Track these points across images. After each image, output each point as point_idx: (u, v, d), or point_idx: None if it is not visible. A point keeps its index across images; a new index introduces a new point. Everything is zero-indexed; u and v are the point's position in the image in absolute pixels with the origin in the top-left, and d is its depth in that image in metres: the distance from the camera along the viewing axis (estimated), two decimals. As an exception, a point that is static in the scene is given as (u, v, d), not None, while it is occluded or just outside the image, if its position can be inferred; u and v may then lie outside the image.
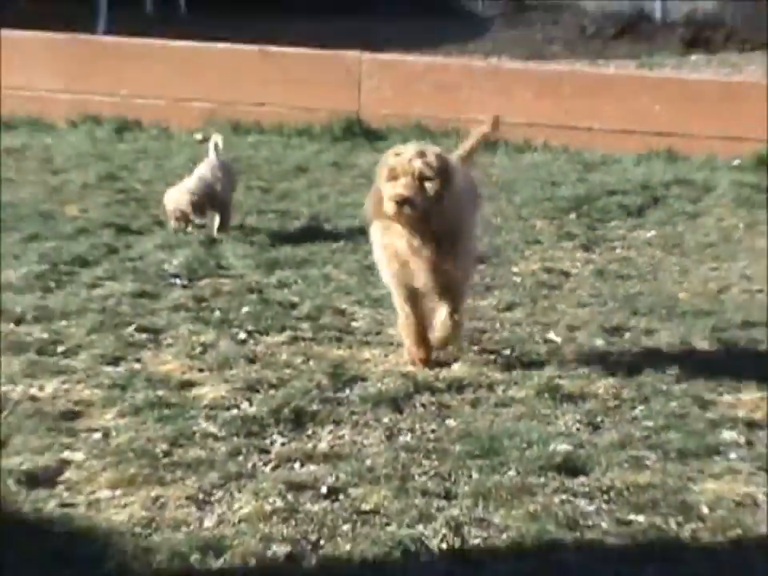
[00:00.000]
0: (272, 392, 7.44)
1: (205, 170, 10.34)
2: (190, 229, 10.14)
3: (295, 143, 13.02)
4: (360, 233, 10.27)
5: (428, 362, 7.80)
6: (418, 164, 7.41)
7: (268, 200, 10.48)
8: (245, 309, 8.74)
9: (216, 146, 10.28)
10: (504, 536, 6.00)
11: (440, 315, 7.88)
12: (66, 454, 6.69)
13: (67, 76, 14.04)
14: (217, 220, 10.27)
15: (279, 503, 6.22)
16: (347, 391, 7.48)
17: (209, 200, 10.14)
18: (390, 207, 7.43)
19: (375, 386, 7.56)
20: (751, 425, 7.16)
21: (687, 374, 7.86)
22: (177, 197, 10.15)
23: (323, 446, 6.85)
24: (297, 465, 6.64)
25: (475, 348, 8.20)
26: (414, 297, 7.78)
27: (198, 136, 13.24)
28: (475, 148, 8.50)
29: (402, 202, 7.38)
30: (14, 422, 7.00)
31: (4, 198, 11.07)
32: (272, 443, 6.85)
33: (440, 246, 7.64)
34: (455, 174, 7.60)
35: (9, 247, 9.78)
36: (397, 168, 7.44)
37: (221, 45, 14.42)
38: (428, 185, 7.42)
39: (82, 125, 13.53)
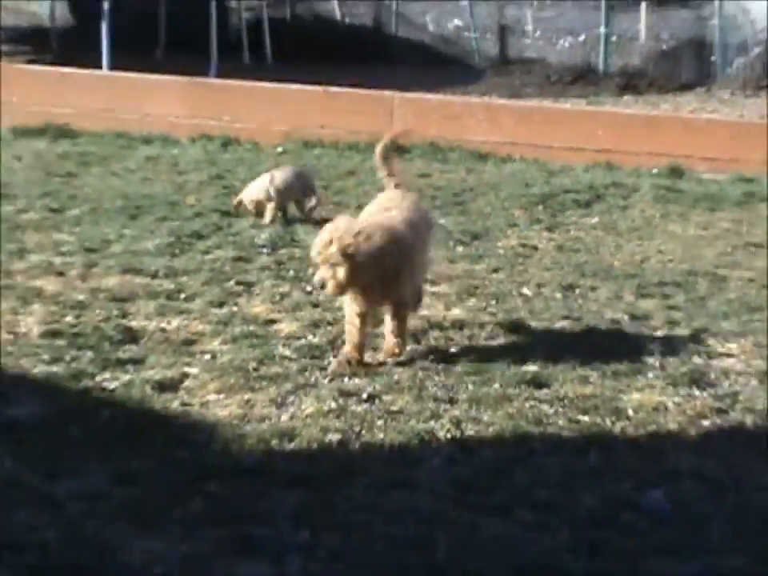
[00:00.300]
0: (329, 328, 7.46)
1: (277, 173, 10.27)
2: (267, 216, 10.04)
3: (347, 155, 13.02)
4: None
5: (360, 363, 6.87)
6: (332, 251, 6.49)
7: (327, 194, 10.39)
8: (310, 269, 8.69)
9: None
10: (490, 429, 6.04)
11: (387, 328, 7.05)
12: (185, 369, 6.75)
13: (189, 106, 14.05)
14: (312, 201, 10.18)
15: (333, 405, 6.27)
16: (379, 328, 7.46)
17: (279, 193, 10.04)
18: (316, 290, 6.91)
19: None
20: (664, 353, 7.15)
21: (619, 317, 7.87)
22: (253, 191, 10.11)
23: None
24: (346, 378, 6.66)
25: (473, 299, 8.18)
26: (363, 315, 6.90)
27: (279, 149, 13.17)
28: (393, 163, 7.61)
29: (322, 287, 6.65)
30: (149, 346, 7.05)
31: (144, 191, 11.08)
32: (328, 363, 6.86)
33: (381, 291, 6.81)
34: (374, 244, 6.58)
35: (146, 225, 9.80)
36: (318, 257, 6.59)
37: (295, 86, 14.43)
38: (341, 268, 6.51)
39: (198, 141, 13.50)
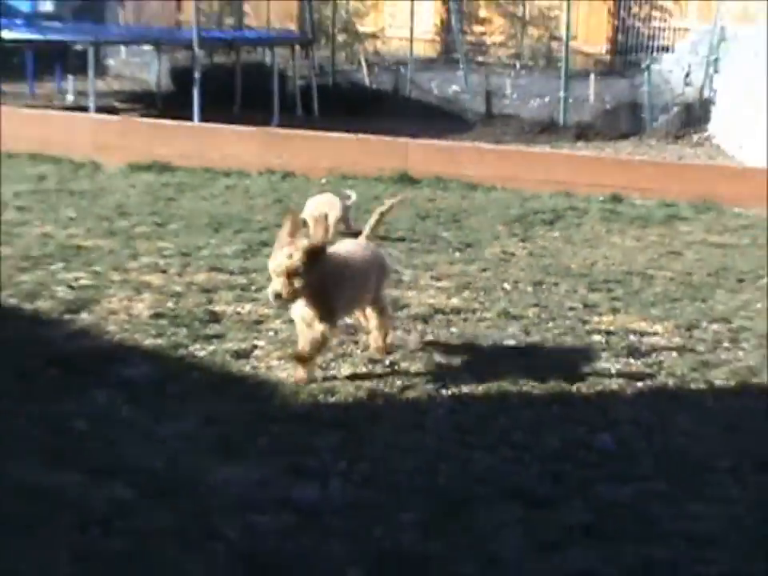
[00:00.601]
0: (361, 312, 7.41)
1: (327, 196, 10.21)
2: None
3: (373, 185, 12.94)
4: (407, 232, 10.29)
5: (309, 359, 6.00)
6: (285, 264, 5.65)
7: (357, 215, 10.34)
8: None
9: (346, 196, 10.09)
10: (480, 388, 6.04)
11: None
12: (255, 342, 6.69)
13: (258, 148, 14.01)
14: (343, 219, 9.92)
15: (363, 369, 6.24)
16: (398, 313, 7.44)
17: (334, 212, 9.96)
18: (272, 301, 5.84)
19: (413, 310, 7.53)
20: (608, 332, 7.13)
21: (575, 305, 7.83)
22: (315, 206, 10.04)
23: (387, 341, 6.83)
24: (373, 350, 6.62)
25: (467, 291, 8.14)
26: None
27: (323, 180, 13.13)
28: (379, 224, 6.63)
29: (278, 298, 5.71)
30: (228, 325, 7.01)
31: (224, 211, 11.04)
32: (358, 340, 6.81)
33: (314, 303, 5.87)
34: (320, 261, 5.73)
35: (226, 236, 9.76)
36: (274, 269, 5.75)
37: (335, 133, 14.40)
38: (296, 279, 5.63)
39: (264, 174, 13.44)
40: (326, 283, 5.80)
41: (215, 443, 5.08)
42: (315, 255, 5.70)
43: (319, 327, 5.92)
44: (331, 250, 6.00)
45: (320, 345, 5.97)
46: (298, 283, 5.66)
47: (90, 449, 4.93)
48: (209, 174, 13.40)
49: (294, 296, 5.75)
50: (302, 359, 5.97)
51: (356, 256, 6.23)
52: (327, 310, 5.92)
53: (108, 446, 4.98)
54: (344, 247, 6.40)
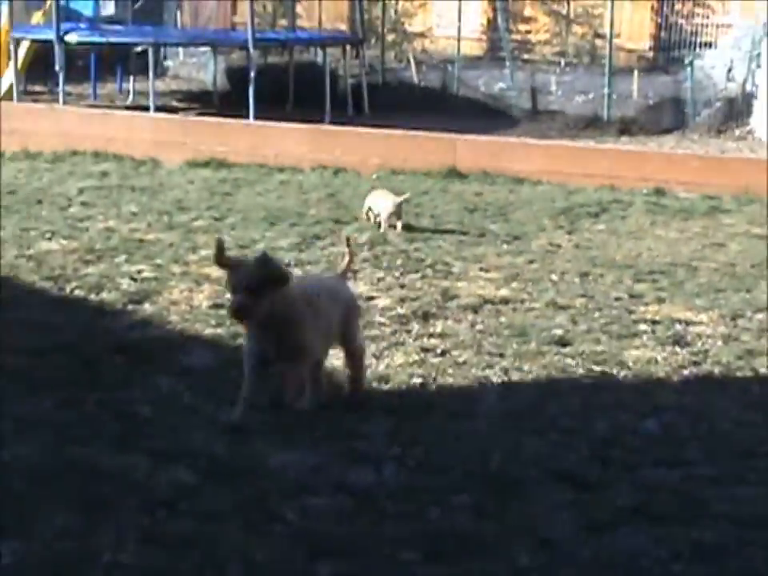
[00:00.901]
0: (413, 303, 7.41)
1: (382, 192, 10.20)
2: (374, 221, 9.96)
3: (421, 180, 12.92)
4: (456, 225, 10.28)
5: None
6: (247, 278, 4.94)
7: (407, 209, 10.32)
8: (398, 261, 8.68)
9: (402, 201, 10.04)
10: (529, 376, 6.02)
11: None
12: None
13: (310, 145, 14.04)
14: (399, 224, 9.89)
15: (416, 358, 6.25)
16: (448, 303, 7.43)
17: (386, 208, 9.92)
18: (231, 318, 5.25)
19: (463, 301, 7.52)
20: (654, 322, 7.08)
21: (621, 296, 7.79)
22: (376, 202, 10.03)
23: (438, 330, 6.83)
24: (425, 339, 6.62)
25: (515, 282, 8.10)
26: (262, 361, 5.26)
27: (374, 176, 13.12)
28: (349, 266, 5.87)
29: (238, 315, 5.04)
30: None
31: (278, 205, 11.09)
32: (411, 329, 6.82)
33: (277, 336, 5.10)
34: (283, 273, 5.07)
35: (281, 229, 9.81)
36: (233, 282, 5.04)
37: (385, 130, 14.40)
38: (261, 295, 4.90)
39: (317, 170, 13.46)
40: (289, 314, 5.06)
41: (273, 428, 5.10)
42: (277, 278, 4.99)
43: (300, 366, 5.28)
44: (297, 282, 5.32)
45: (314, 380, 5.33)
46: (258, 301, 4.92)
47: (154, 434, 4.97)
48: (264, 170, 13.44)
49: (253, 313, 4.96)
50: (301, 403, 5.33)
51: (321, 291, 5.40)
52: (297, 345, 5.14)
53: (171, 431, 5.01)
54: (310, 281, 5.90)
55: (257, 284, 4.91)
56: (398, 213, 9.85)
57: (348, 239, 5.95)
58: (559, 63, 21.31)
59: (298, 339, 5.12)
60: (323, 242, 9.32)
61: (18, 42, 18.24)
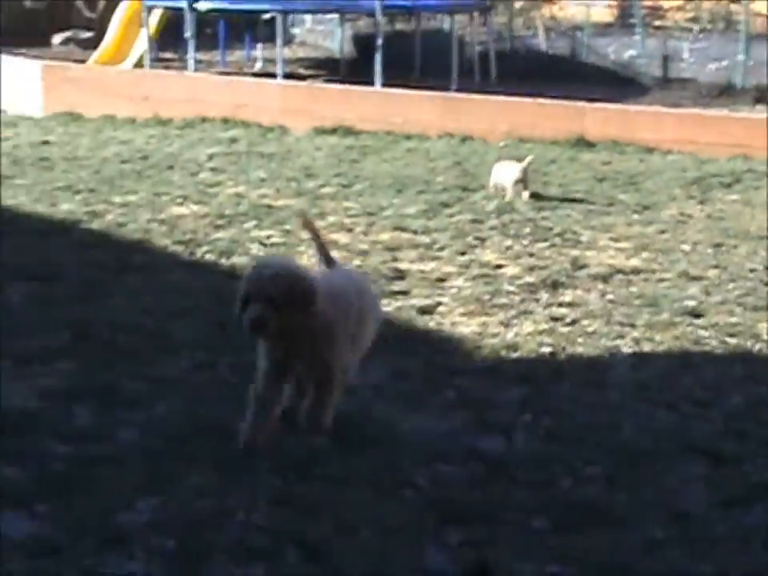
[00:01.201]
0: (541, 271, 7.36)
1: (505, 164, 10.13)
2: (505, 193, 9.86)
3: (550, 148, 12.84)
4: (584, 194, 10.17)
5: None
6: (270, 288, 4.18)
7: (534, 178, 10.22)
8: (526, 229, 8.61)
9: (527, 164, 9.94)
10: (660, 347, 5.98)
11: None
12: (438, 299, 6.75)
13: (437, 113, 14.07)
14: (525, 193, 9.78)
15: (545, 327, 6.24)
16: (578, 272, 7.36)
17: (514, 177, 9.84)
18: (247, 330, 4.27)
19: (593, 270, 7.44)
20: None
21: (756, 267, 7.61)
22: (500, 173, 9.97)
23: (567, 299, 6.77)
24: (554, 307, 6.59)
25: (645, 252, 7.97)
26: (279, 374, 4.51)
27: (502, 144, 13.03)
28: (324, 253, 4.93)
29: (256, 327, 4.22)
30: (412, 282, 7.08)
31: (405, 173, 11.12)
32: (540, 298, 6.78)
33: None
34: (310, 291, 4.27)
35: (408, 197, 9.82)
36: (250, 291, 4.23)
37: (513, 98, 14.29)
38: (281, 307, 4.18)
39: (443, 138, 13.50)
40: (315, 326, 4.36)
41: (403, 395, 5.13)
42: (302, 300, 4.27)
43: (327, 376, 4.49)
44: (323, 279, 4.61)
45: (330, 401, 4.54)
46: (278, 314, 4.23)
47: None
48: (390, 138, 13.46)
49: (272, 327, 4.25)
50: (323, 424, 4.53)
51: (349, 286, 4.73)
52: (324, 361, 4.47)
53: (302, 395, 5.06)
54: (336, 276, 4.85)
55: (279, 297, 4.20)
56: (523, 179, 9.77)
57: (307, 223, 5.23)
58: (692, 30, 20.84)
59: (324, 354, 4.43)
60: (451, 210, 9.30)
61: (150, 10, 18.53)
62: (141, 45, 18.86)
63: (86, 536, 3.68)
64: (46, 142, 12.55)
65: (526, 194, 9.71)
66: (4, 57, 16.91)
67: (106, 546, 3.64)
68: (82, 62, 18.75)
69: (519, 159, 10.11)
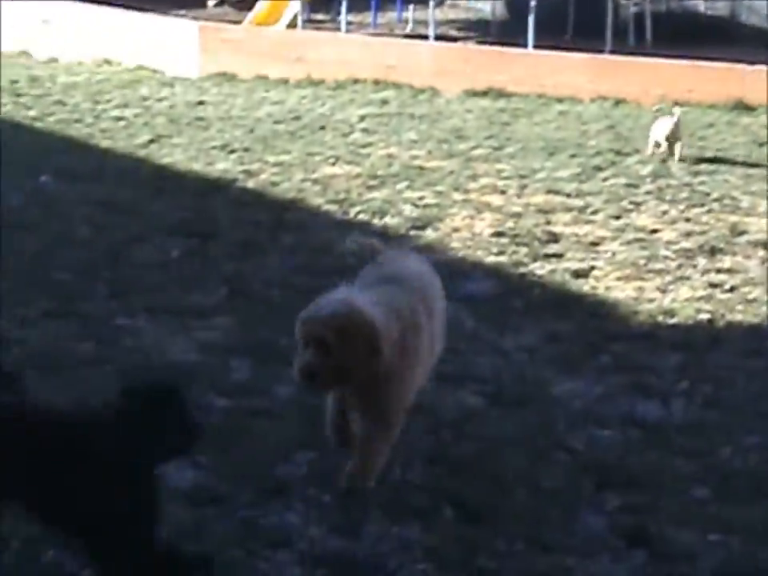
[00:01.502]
0: (699, 237, 7.18)
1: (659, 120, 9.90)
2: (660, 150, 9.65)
3: (708, 112, 12.54)
4: (744, 158, 9.88)
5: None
6: (324, 331, 3.61)
7: (691, 143, 9.94)
8: (682, 194, 8.42)
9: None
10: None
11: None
12: (592, 263, 6.68)
13: (590, 75, 13.88)
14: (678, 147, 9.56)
15: (703, 293, 6.16)
16: (737, 239, 7.18)
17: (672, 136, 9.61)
18: (296, 379, 3.71)
19: (753, 236, 7.23)
20: None
21: None
22: (654, 130, 9.76)
23: (725, 265, 6.62)
24: (712, 274, 6.46)
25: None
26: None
27: (655, 108, 12.74)
28: None
29: (305, 376, 3.65)
30: (566, 245, 6.99)
31: (558, 136, 10.99)
32: (697, 264, 6.63)
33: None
34: (373, 336, 3.64)
35: (561, 160, 9.67)
36: (306, 335, 3.68)
37: (669, 60, 13.95)
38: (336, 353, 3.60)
39: (596, 101, 13.24)
40: (374, 367, 3.71)
41: (557, 358, 5.09)
42: (363, 350, 3.66)
43: (375, 433, 3.83)
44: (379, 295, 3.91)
45: (380, 459, 3.82)
46: (333, 360, 3.64)
47: (440, 358, 5.03)
48: (542, 100, 13.29)
49: (327, 374, 3.67)
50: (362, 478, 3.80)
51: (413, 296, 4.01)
52: (382, 405, 3.82)
53: (456, 356, 5.04)
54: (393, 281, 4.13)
55: (334, 342, 3.63)
56: (675, 134, 9.55)
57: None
58: None
59: (382, 403, 3.81)
60: (604, 174, 9.14)
61: (302, -28, 18.63)
62: (294, 6, 18.98)
63: (247, 486, 3.76)
64: (201, 102, 12.74)
65: (678, 149, 9.50)
66: (162, 18, 17.22)
67: (265, 497, 3.72)
68: (237, 23, 18.96)
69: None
